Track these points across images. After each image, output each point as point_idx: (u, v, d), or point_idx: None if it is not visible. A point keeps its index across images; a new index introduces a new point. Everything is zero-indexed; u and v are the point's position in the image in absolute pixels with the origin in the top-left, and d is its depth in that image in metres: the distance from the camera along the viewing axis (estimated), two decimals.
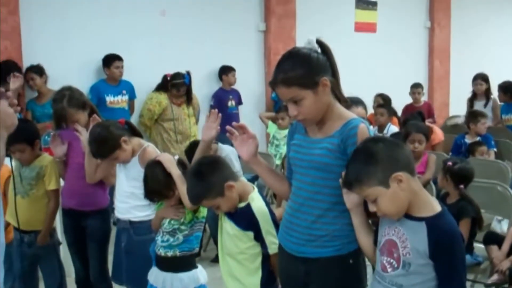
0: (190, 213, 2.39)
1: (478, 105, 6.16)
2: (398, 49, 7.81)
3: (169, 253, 2.40)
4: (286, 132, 5.07)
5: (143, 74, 5.40)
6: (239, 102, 6.16)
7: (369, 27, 7.55)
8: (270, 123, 5.65)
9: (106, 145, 2.63)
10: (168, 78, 5.22)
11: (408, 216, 1.67)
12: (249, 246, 2.13)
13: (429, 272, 1.63)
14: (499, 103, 6.31)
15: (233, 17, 6.25)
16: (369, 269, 1.96)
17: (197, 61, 5.78)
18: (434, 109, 6.84)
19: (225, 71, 6.01)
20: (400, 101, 6.42)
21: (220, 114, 2.29)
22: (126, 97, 5.31)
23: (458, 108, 6.93)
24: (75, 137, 2.90)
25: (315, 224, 1.86)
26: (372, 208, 1.67)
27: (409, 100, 6.60)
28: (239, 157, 2.37)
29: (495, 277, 2.89)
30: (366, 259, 1.96)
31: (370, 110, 5.36)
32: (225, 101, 5.92)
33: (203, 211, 2.42)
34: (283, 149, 5.11)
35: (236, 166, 3.94)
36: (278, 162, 4.97)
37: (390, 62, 7.63)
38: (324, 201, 1.85)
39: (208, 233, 4.14)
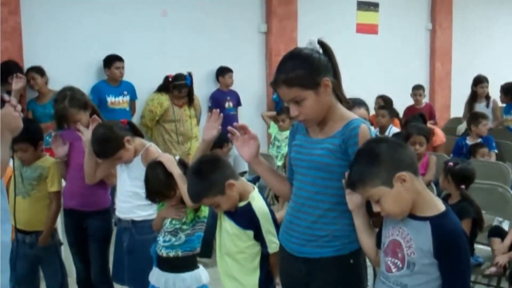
0: (192, 213, 2.39)
1: (479, 107, 6.15)
2: (400, 50, 7.82)
3: (171, 254, 2.40)
4: (287, 133, 5.08)
5: (144, 75, 5.41)
6: (237, 103, 6.15)
7: (370, 29, 7.56)
8: (272, 123, 5.65)
9: (109, 145, 2.64)
10: (170, 79, 5.22)
11: (412, 216, 1.67)
12: (248, 245, 2.12)
13: (433, 272, 1.62)
14: (499, 104, 6.30)
15: (234, 18, 6.26)
16: (369, 270, 1.97)
17: (198, 62, 5.78)
18: (435, 111, 6.84)
19: (222, 72, 6.00)
20: (402, 103, 6.42)
21: (221, 114, 2.29)
22: (127, 98, 5.32)
23: (459, 110, 6.92)
24: (77, 138, 2.90)
25: (316, 224, 1.86)
26: (376, 208, 1.67)
27: (410, 101, 6.59)
28: None
29: (493, 269, 2.91)
30: (367, 259, 1.96)
31: (372, 112, 5.36)
32: (222, 103, 5.90)
33: (205, 211, 2.42)
34: (284, 150, 5.12)
35: (246, 167, 3.95)
36: (279, 163, 4.98)
37: (391, 64, 7.64)
38: (325, 201, 1.85)
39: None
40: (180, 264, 2.40)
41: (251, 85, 6.45)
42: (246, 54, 6.42)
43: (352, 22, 7.40)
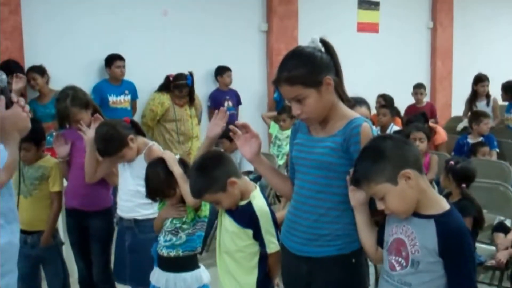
0: (192, 212, 2.39)
1: (479, 106, 6.15)
2: (401, 49, 7.81)
3: (172, 253, 2.40)
4: (288, 132, 5.10)
5: (144, 74, 5.41)
6: (237, 102, 6.14)
7: (371, 28, 7.56)
8: (272, 123, 5.65)
9: (113, 144, 2.64)
10: (171, 79, 5.22)
11: (416, 214, 1.67)
12: (247, 244, 2.12)
13: (438, 270, 1.62)
14: (499, 103, 6.31)
15: (235, 17, 6.26)
16: (371, 269, 1.97)
17: (199, 61, 5.78)
18: (436, 110, 6.84)
19: (220, 71, 5.99)
20: (403, 102, 6.42)
21: (227, 113, 2.30)
22: (128, 97, 5.32)
23: (460, 108, 6.92)
24: (78, 137, 2.91)
25: (317, 223, 1.86)
26: (380, 206, 1.67)
27: (411, 100, 6.59)
28: None
29: (492, 261, 2.93)
30: (368, 259, 1.96)
31: (373, 111, 5.36)
32: (221, 102, 5.88)
33: (205, 210, 2.42)
34: (285, 149, 5.12)
35: (251, 166, 3.93)
36: (280, 162, 4.98)
37: (392, 63, 7.64)
38: (327, 200, 1.85)
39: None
40: (181, 264, 2.41)
41: (252, 85, 6.45)
42: (247, 53, 6.42)
43: (353, 21, 7.39)
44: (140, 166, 2.61)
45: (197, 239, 2.44)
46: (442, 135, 5.26)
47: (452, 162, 3.14)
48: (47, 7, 4.91)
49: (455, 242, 1.60)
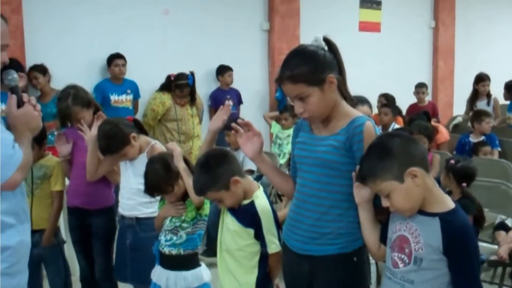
0: (193, 211, 2.40)
1: (481, 105, 6.15)
2: (402, 48, 7.81)
3: (174, 251, 2.41)
4: (289, 131, 5.10)
5: (146, 73, 5.41)
6: (238, 101, 6.14)
7: (373, 27, 7.55)
8: (273, 123, 5.65)
9: (115, 141, 2.65)
10: (172, 79, 5.22)
11: (420, 211, 1.66)
12: (248, 244, 2.12)
13: (441, 268, 1.62)
14: (499, 102, 6.31)
15: (237, 16, 6.26)
16: (372, 267, 1.96)
17: (200, 60, 5.78)
18: (438, 109, 6.83)
19: (221, 71, 5.99)
20: (405, 101, 6.41)
21: (230, 107, 2.30)
22: (130, 97, 5.33)
23: (462, 108, 6.92)
24: (80, 136, 2.91)
25: (319, 222, 1.86)
26: (385, 203, 1.67)
27: (413, 100, 6.59)
28: None
29: (494, 256, 2.93)
30: (370, 257, 1.96)
31: (374, 110, 5.36)
32: (222, 101, 5.84)
33: (206, 209, 2.42)
34: (287, 149, 5.11)
35: (253, 166, 3.93)
36: (282, 161, 4.98)
37: (394, 62, 7.63)
38: (329, 198, 1.85)
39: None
40: (182, 262, 2.41)
41: (254, 84, 6.45)
42: (249, 52, 6.41)
43: (355, 20, 7.39)
44: (142, 164, 2.60)
45: (197, 238, 2.44)
46: (444, 134, 5.26)
47: (452, 161, 3.14)
48: (49, 6, 4.91)
49: (460, 240, 1.60)
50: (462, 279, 1.61)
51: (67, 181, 3.09)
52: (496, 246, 3.25)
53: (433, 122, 5.33)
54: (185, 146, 5.28)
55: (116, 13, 5.34)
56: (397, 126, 5.10)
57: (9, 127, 1.76)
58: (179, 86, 5.17)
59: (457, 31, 8.43)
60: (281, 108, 5.83)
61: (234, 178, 2.07)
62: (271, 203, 2.19)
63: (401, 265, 1.68)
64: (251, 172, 4.08)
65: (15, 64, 4.41)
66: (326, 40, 1.86)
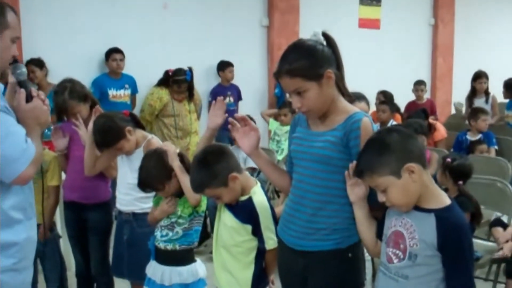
0: (190, 207, 2.39)
1: (479, 103, 6.16)
2: (402, 45, 7.80)
3: (169, 247, 2.40)
4: (287, 128, 5.07)
5: (144, 68, 5.41)
6: (238, 98, 6.14)
7: (373, 24, 7.54)
8: (271, 120, 5.64)
9: (110, 135, 2.64)
10: (170, 74, 5.22)
11: (416, 207, 1.67)
12: (245, 240, 2.11)
13: (435, 264, 1.62)
14: (498, 100, 6.31)
15: (236, 12, 6.25)
16: (368, 264, 1.97)
17: (199, 56, 5.78)
18: (436, 107, 6.84)
19: (222, 67, 5.99)
20: (403, 98, 6.41)
21: (225, 101, 2.30)
22: (128, 92, 5.32)
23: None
24: (77, 130, 2.90)
25: (315, 217, 1.86)
26: (381, 198, 1.67)
27: (411, 97, 6.59)
28: None
29: (500, 252, 2.93)
30: (366, 254, 1.96)
31: (372, 107, 5.35)
32: (222, 97, 5.88)
33: (203, 205, 2.42)
34: (285, 145, 5.11)
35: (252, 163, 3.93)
36: (279, 157, 4.98)
37: (393, 59, 7.63)
38: (325, 194, 1.85)
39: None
40: (177, 258, 2.41)
41: (253, 80, 6.44)
42: (248, 48, 6.41)
43: (355, 17, 7.38)
44: (138, 159, 2.59)
45: (194, 234, 2.43)
46: (441, 131, 5.27)
47: (448, 160, 3.14)
48: (46, 0, 4.90)
49: (455, 237, 1.60)
50: (456, 275, 1.61)
51: (63, 176, 3.09)
52: (491, 243, 3.26)
53: (431, 120, 5.33)
54: (183, 142, 5.27)
55: (114, 7, 5.33)
56: (395, 123, 5.11)
57: (17, 121, 1.76)
58: (176, 81, 5.16)
59: (457, 29, 8.42)
60: (280, 104, 5.83)
61: (232, 174, 2.06)
62: (268, 199, 2.19)
63: (395, 261, 1.68)
64: (253, 169, 4.08)
65: (12, 58, 4.40)
66: (325, 35, 1.86)
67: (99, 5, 5.22)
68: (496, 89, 6.41)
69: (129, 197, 2.75)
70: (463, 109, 6.28)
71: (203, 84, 5.88)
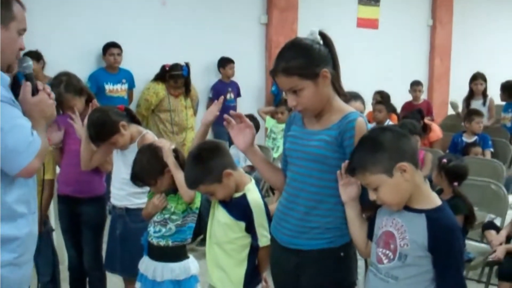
0: (184, 204, 2.39)
1: (476, 104, 6.17)
2: (400, 46, 7.81)
3: (162, 243, 2.40)
4: (283, 126, 5.08)
5: (142, 64, 5.39)
6: (237, 94, 6.15)
7: (371, 23, 7.55)
8: (268, 117, 5.65)
9: (104, 129, 2.63)
10: (167, 69, 5.21)
11: (407, 207, 1.67)
12: (238, 237, 2.11)
13: (425, 265, 1.63)
14: (495, 102, 6.32)
15: (235, 8, 6.24)
16: (360, 263, 1.97)
17: (197, 52, 5.77)
18: (433, 107, 6.84)
19: (223, 63, 5.99)
20: (400, 99, 6.42)
21: (221, 100, 2.30)
22: (125, 86, 5.31)
23: None
24: (72, 124, 2.89)
25: (308, 216, 1.86)
26: (372, 196, 1.67)
27: (408, 97, 6.60)
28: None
29: (493, 255, 2.95)
30: (358, 253, 1.97)
31: (369, 107, 5.36)
32: (223, 94, 5.86)
33: (197, 202, 2.41)
34: (280, 142, 5.11)
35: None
36: (275, 155, 4.98)
37: (391, 59, 7.64)
38: (318, 193, 1.85)
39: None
40: (169, 254, 2.40)
41: (251, 77, 6.44)
42: (246, 45, 6.40)
43: (353, 16, 7.38)
44: (132, 154, 2.59)
45: (187, 231, 2.43)
46: (437, 132, 5.28)
47: (444, 160, 3.15)
48: None
49: (445, 238, 1.60)
50: (446, 276, 1.62)
51: (57, 169, 3.08)
52: (484, 245, 3.28)
53: (426, 120, 5.34)
54: (178, 138, 5.27)
55: (113, 2, 5.32)
56: (391, 123, 5.11)
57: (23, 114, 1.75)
58: (173, 76, 5.16)
59: (455, 30, 8.43)
60: (276, 102, 5.83)
61: (226, 171, 2.06)
62: (262, 197, 2.19)
63: (385, 261, 1.69)
64: (251, 168, 4.07)
65: None
66: (322, 34, 1.86)
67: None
68: (494, 91, 6.42)
69: (123, 192, 2.74)
70: (460, 108, 6.27)
71: (201, 80, 5.88)
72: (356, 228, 1.81)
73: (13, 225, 1.70)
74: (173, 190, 2.39)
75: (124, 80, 5.29)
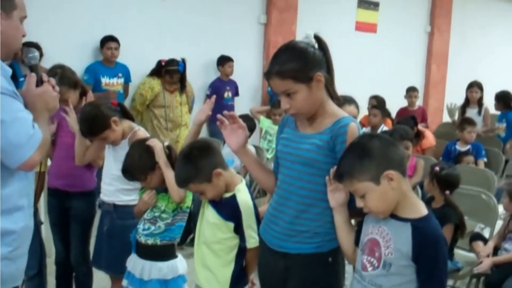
0: (174, 202, 2.38)
1: (471, 113, 6.19)
2: (397, 51, 7.83)
3: (150, 241, 2.39)
4: None
5: (139, 59, 5.37)
6: (235, 93, 6.14)
7: (369, 27, 7.56)
8: (262, 117, 5.62)
9: (95, 124, 2.62)
10: (163, 64, 5.20)
11: (393, 216, 1.67)
12: (227, 237, 2.11)
13: (409, 274, 1.62)
14: (490, 112, 6.34)
15: (234, 7, 6.23)
16: (348, 268, 1.97)
17: (195, 49, 5.76)
18: (428, 114, 6.86)
19: (222, 61, 5.99)
20: (395, 104, 6.43)
21: (213, 100, 2.29)
22: (121, 80, 5.29)
23: None
24: (65, 117, 2.87)
25: (298, 220, 1.86)
26: (359, 203, 1.67)
27: (404, 102, 6.61)
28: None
29: (479, 267, 2.96)
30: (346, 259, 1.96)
31: (364, 111, 5.37)
32: (221, 92, 5.90)
33: (188, 202, 2.40)
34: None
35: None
36: (269, 156, 4.97)
37: (388, 64, 7.65)
38: (309, 196, 1.85)
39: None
40: (157, 253, 2.39)
41: (248, 76, 6.44)
42: (244, 44, 6.40)
43: (352, 20, 7.39)
44: (123, 150, 2.58)
45: (176, 230, 2.42)
46: (430, 139, 5.28)
47: (437, 168, 3.15)
48: None
49: (430, 248, 1.60)
50: (429, 285, 1.62)
51: (48, 162, 3.06)
52: (473, 255, 3.28)
53: (420, 127, 5.34)
54: (172, 134, 5.26)
55: None
56: (385, 128, 5.12)
57: (25, 105, 1.74)
58: (169, 71, 5.15)
59: (452, 38, 8.46)
60: (272, 102, 5.82)
61: (216, 170, 2.06)
62: (253, 198, 2.18)
63: (370, 269, 1.68)
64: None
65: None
66: (317, 38, 1.85)
67: None
68: (490, 100, 6.44)
69: (112, 188, 2.73)
70: (456, 114, 6.27)
71: (199, 77, 5.87)
72: (344, 234, 1.81)
73: (9, 219, 1.69)
74: (164, 188, 2.38)
75: (120, 74, 5.27)
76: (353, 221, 1.89)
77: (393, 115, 6.07)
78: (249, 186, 3.11)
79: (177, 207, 2.39)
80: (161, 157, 2.33)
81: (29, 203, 1.78)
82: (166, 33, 5.64)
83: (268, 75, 1.83)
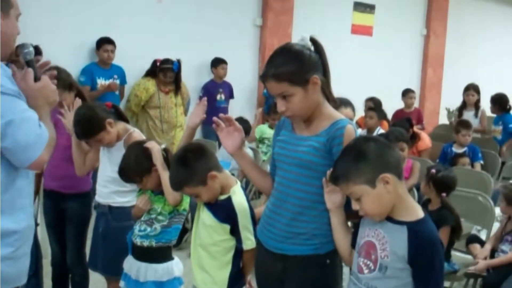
0: (170, 205, 2.37)
1: (468, 115, 6.20)
2: (393, 54, 7.85)
3: (145, 243, 2.38)
4: None
5: (135, 60, 5.37)
6: (230, 96, 6.12)
7: (365, 30, 7.58)
8: (257, 128, 5.56)
9: (90, 126, 2.60)
10: (158, 64, 5.19)
11: (389, 219, 1.66)
12: (223, 239, 2.11)
13: (405, 277, 1.62)
14: (486, 114, 6.36)
15: (230, 10, 6.23)
16: (345, 270, 1.97)
17: (190, 51, 5.76)
18: (423, 116, 6.87)
19: (215, 63, 5.98)
20: (391, 106, 6.44)
21: (205, 102, 2.28)
22: (117, 82, 5.28)
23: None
24: (60, 119, 2.86)
25: (295, 222, 1.85)
26: (355, 206, 1.67)
27: (400, 105, 6.62)
28: None
29: (472, 267, 2.97)
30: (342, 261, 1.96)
31: (360, 113, 5.37)
32: (214, 94, 5.88)
33: (185, 204, 2.40)
34: None
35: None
36: (264, 157, 4.97)
37: (384, 66, 7.67)
38: (306, 199, 1.85)
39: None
40: (153, 255, 2.39)
41: (243, 79, 6.44)
42: (240, 46, 6.40)
43: (348, 22, 7.41)
44: (118, 152, 2.57)
45: (173, 232, 2.41)
46: (426, 141, 5.29)
47: (433, 171, 3.15)
48: None
49: (426, 251, 1.60)
50: None
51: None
52: (470, 256, 3.29)
53: (416, 129, 5.35)
54: (167, 136, 5.25)
55: None
56: (382, 130, 5.12)
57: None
58: (163, 70, 5.15)
59: (448, 41, 8.49)
60: (268, 104, 5.81)
61: (211, 173, 2.06)
62: (248, 199, 2.18)
63: (366, 271, 1.68)
64: None
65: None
66: (313, 40, 1.85)
67: None
68: (487, 102, 6.45)
69: (107, 190, 2.73)
70: (453, 116, 6.28)
71: (193, 79, 5.86)
72: (340, 236, 1.81)
73: (11, 219, 1.68)
74: (160, 191, 2.38)
75: (115, 76, 5.26)
76: (349, 223, 1.89)
77: (390, 117, 6.08)
78: (245, 188, 3.11)
79: (173, 209, 2.39)
80: (158, 160, 2.33)
81: (30, 203, 1.77)
82: (162, 35, 5.64)
83: (264, 77, 1.83)
